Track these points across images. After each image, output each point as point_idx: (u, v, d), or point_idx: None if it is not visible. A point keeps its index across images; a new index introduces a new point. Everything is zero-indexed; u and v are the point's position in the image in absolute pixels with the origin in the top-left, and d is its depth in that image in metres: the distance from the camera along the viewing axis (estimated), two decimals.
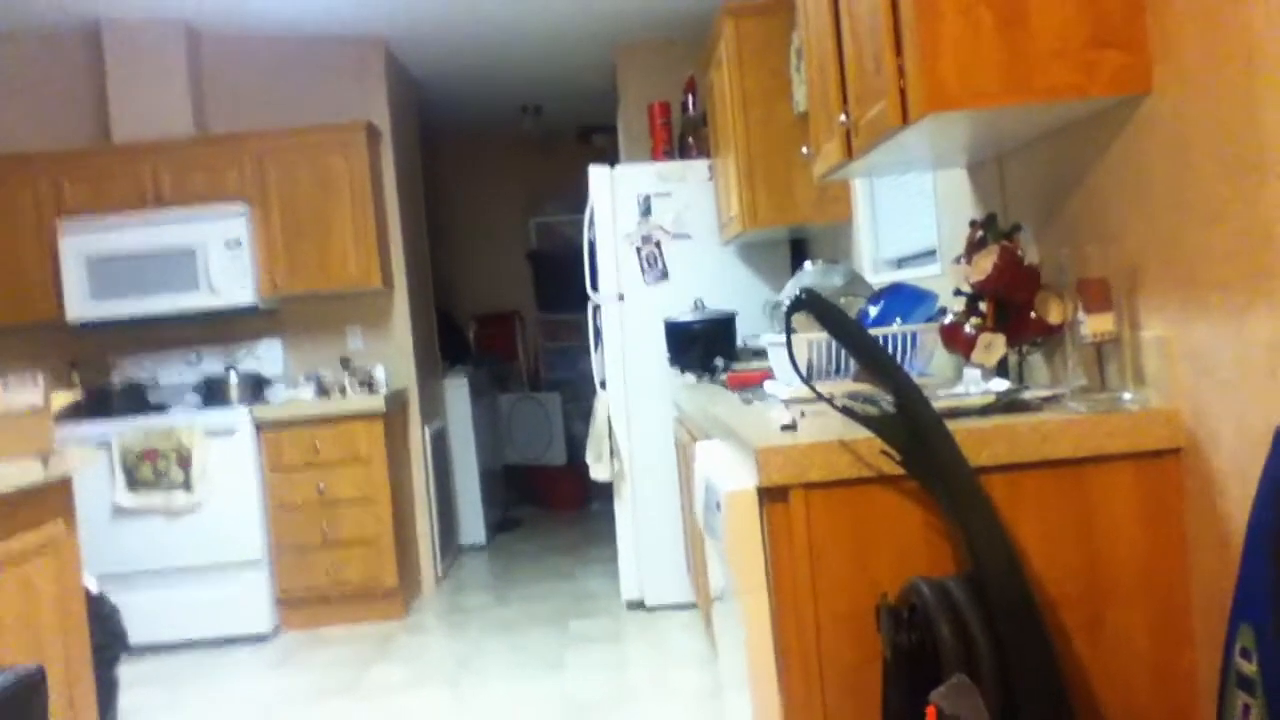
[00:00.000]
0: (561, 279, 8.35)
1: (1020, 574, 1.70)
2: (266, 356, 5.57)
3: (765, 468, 1.87)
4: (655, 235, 4.86)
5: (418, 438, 5.72)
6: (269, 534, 4.99)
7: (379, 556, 5.04)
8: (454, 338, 7.59)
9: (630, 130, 5.85)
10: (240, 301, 5.17)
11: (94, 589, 3.49)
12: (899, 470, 1.85)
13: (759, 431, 2.07)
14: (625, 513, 4.88)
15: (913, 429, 1.70)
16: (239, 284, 5.17)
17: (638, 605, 4.93)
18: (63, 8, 5.00)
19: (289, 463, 5.02)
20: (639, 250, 4.87)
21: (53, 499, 2.99)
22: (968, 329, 2.33)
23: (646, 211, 4.86)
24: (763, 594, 1.93)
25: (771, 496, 1.90)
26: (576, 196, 8.50)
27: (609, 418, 4.86)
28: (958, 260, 2.42)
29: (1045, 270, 2.32)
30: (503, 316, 8.44)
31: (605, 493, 7.89)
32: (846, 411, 1.84)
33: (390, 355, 5.64)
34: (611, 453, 4.84)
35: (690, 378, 4.05)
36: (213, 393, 5.28)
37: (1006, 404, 2.06)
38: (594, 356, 5.04)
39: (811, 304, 1.72)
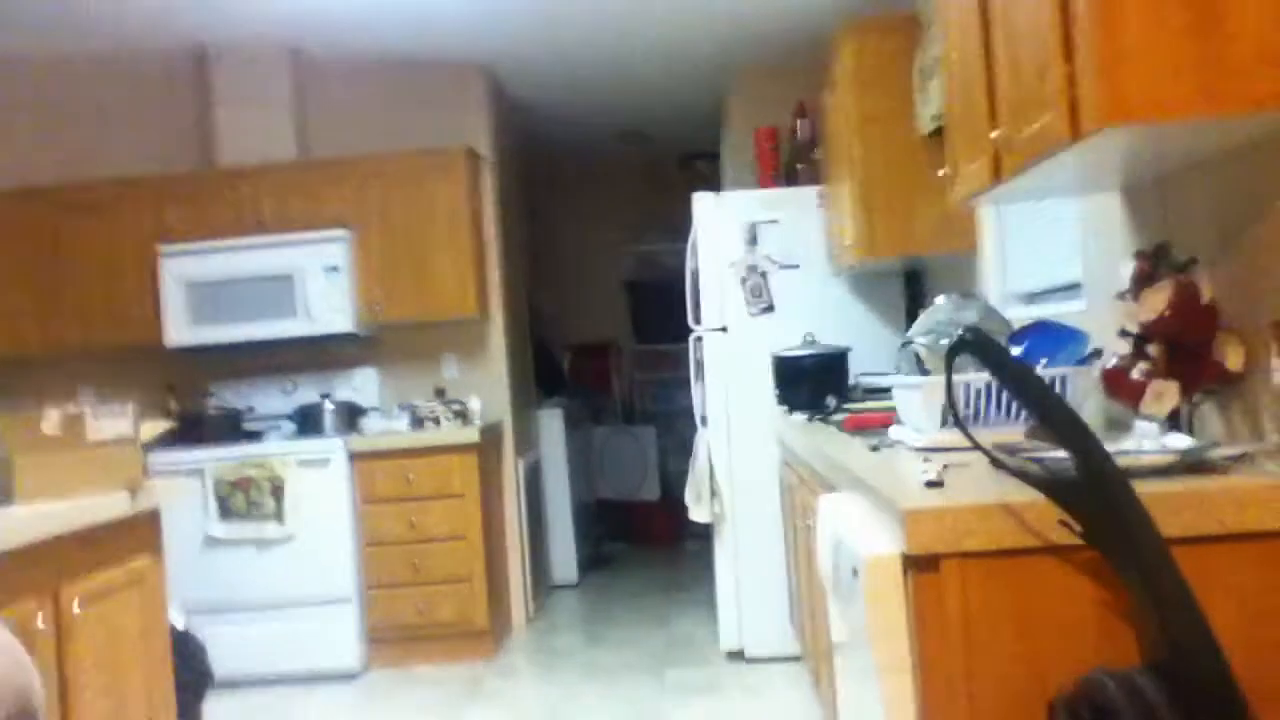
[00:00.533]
0: (659, 309, 8.19)
1: (1226, 667, 1.44)
2: (362, 385, 5.48)
3: (914, 532, 1.64)
4: (762, 265, 4.65)
5: (511, 471, 5.56)
6: (360, 568, 4.86)
7: (470, 595, 4.87)
8: (549, 368, 7.46)
9: (736, 156, 5.66)
10: (338, 329, 5.09)
11: (181, 624, 3.38)
12: (1071, 540, 1.60)
13: (899, 487, 1.84)
14: (725, 557, 4.64)
15: (1097, 493, 1.45)
16: (337, 311, 5.09)
17: (737, 655, 4.67)
18: (169, 32, 5.00)
19: (382, 495, 4.90)
20: (744, 281, 4.65)
21: (140, 532, 2.89)
22: (1135, 375, 2.06)
23: (753, 240, 4.65)
24: (906, 675, 1.69)
25: (919, 566, 1.66)
26: (676, 224, 8.33)
27: (710, 456, 4.63)
28: (1121, 296, 2.15)
29: (1224, 308, 2.05)
30: (599, 347, 8.29)
31: (700, 531, 7.66)
32: (1016, 471, 1.59)
33: (485, 385, 5.51)
34: (712, 493, 4.62)
35: (800, 417, 3.81)
36: (307, 421, 5.20)
37: (1190, 464, 1.79)
38: (694, 390, 4.83)
39: (977, 345, 1.49)
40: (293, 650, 4.80)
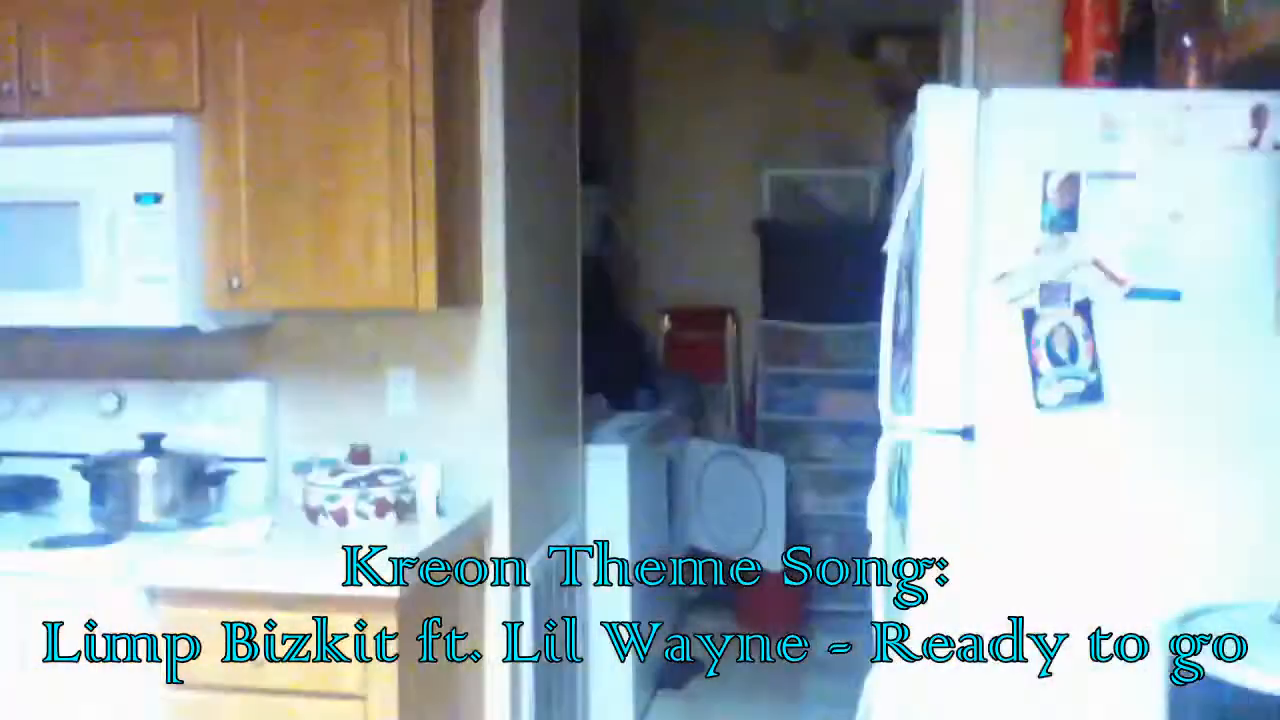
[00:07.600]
0: (804, 265, 5.42)
1: None
2: (239, 414, 2.92)
3: None
4: (1083, 284, 1.86)
5: (493, 615, 2.93)
6: None
7: None
8: (624, 350, 4.83)
9: (995, 10, 2.78)
10: (153, 319, 2.55)
11: None
12: None
13: None
14: None
15: None
16: (153, 283, 2.53)
17: None
18: None
19: (209, 680, 2.37)
20: (1033, 318, 1.88)
21: None
22: None
23: (1068, 220, 1.86)
24: None
25: None
26: (836, 140, 5.57)
27: None
28: None
29: None
30: (709, 316, 5.58)
31: (837, 610, 5.02)
32: None
33: (461, 427, 2.89)
34: None
35: None
36: (108, 488, 2.68)
37: None
38: (878, 539, 2.14)
39: None
40: None
